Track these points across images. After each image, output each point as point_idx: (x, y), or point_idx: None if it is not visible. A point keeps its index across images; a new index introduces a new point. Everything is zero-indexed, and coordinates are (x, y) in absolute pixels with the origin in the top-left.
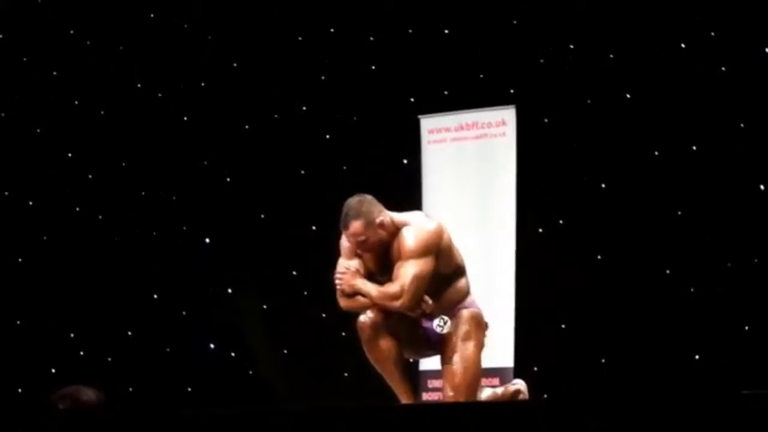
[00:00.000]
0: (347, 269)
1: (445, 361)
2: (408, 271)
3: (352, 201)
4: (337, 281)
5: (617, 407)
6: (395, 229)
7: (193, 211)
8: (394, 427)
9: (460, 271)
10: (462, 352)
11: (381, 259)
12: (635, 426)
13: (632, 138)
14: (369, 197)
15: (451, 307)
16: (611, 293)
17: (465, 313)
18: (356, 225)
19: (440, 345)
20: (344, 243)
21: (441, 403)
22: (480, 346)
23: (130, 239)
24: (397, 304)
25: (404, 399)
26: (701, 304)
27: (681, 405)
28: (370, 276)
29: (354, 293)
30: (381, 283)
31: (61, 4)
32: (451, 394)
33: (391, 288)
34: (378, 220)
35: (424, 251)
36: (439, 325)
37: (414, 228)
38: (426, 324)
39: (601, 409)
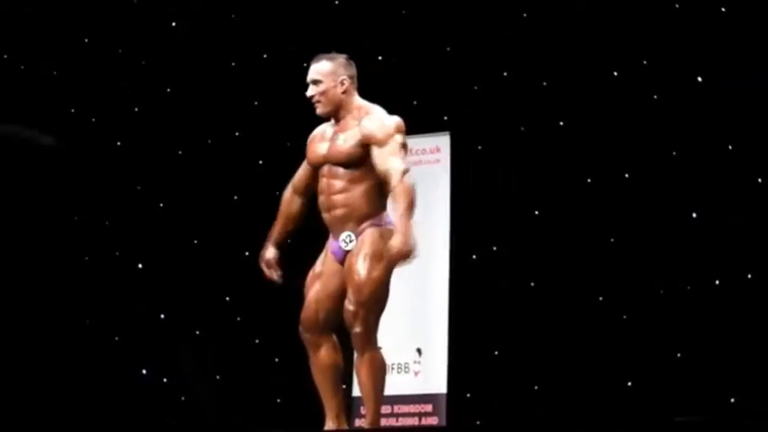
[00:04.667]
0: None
1: (349, 276)
2: (392, 148)
3: (339, 53)
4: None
5: None
6: (353, 107)
7: (126, 236)
8: None
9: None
10: (368, 268)
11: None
12: None
13: (565, 165)
14: (353, 62)
15: (363, 218)
16: (544, 320)
17: (374, 231)
18: (323, 64)
19: (345, 262)
20: None
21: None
22: (390, 266)
23: (63, 264)
24: (409, 178)
25: (331, 416)
26: (634, 331)
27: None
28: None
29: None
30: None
31: None
32: (351, 308)
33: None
34: (342, 78)
35: (397, 129)
36: (344, 240)
37: (381, 116)
38: (332, 243)
39: None
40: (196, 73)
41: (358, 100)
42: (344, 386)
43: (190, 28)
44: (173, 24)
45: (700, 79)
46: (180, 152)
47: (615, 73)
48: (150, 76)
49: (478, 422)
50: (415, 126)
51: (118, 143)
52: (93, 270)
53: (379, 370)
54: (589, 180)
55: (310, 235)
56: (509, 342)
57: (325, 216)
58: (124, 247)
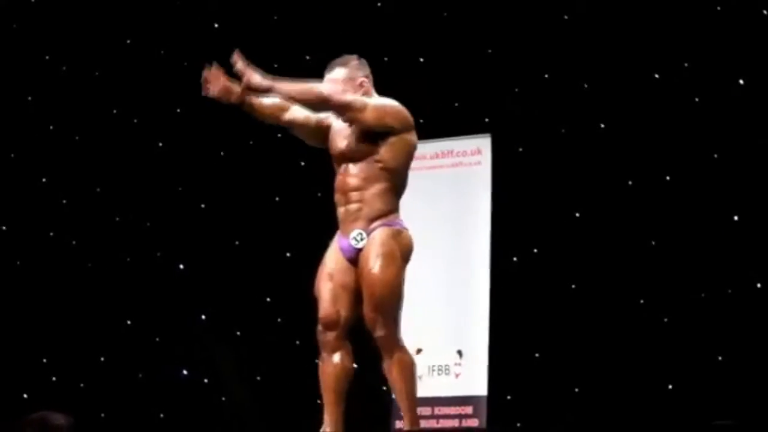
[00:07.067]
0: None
1: (364, 278)
2: (370, 99)
3: (348, 55)
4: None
5: None
6: None
7: (167, 237)
8: None
9: (398, 182)
10: (381, 269)
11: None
12: None
13: (606, 167)
14: (365, 61)
15: (375, 217)
16: (585, 322)
17: (386, 230)
18: (338, 71)
19: (357, 261)
20: None
21: None
22: (403, 267)
23: (104, 265)
24: (333, 95)
25: (330, 420)
26: (674, 334)
27: None
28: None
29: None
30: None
31: (36, 29)
32: (371, 314)
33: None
34: (359, 80)
35: (393, 111)
36: (355, 238)
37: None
38: (342, 240)
39: None
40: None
41: (375, 94)
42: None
43: (235, 30)
44: (215, 25)
45: (741, 81)
46: (222, 153)
47: (656, 75)
48: (192, 76)
49: (518, 425)
50: (456, 128)
51: (160, 144)
52: (134, 271)
53: (409, 369)
54: (629, 182)
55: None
56: (549, 344)
57: (339, 210)
58: (165, 247)
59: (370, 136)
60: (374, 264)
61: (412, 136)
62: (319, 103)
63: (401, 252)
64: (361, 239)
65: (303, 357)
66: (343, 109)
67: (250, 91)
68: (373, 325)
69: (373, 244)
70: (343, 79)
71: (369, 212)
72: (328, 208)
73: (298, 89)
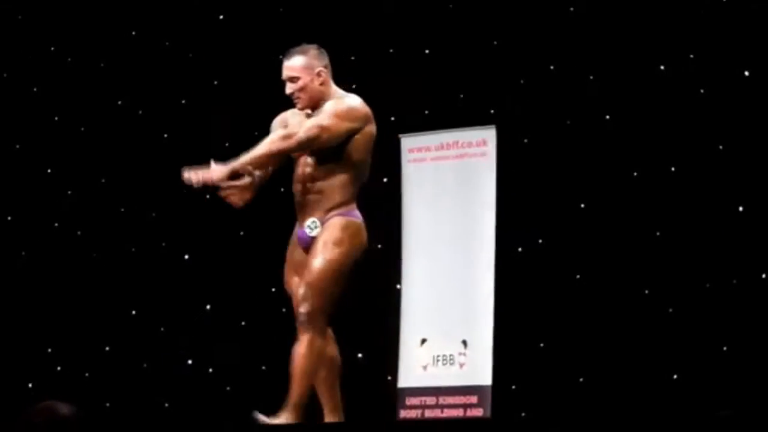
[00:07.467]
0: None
1: (309, 260)
2: (319, 118)
3: (308, 44)
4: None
5: (596, 427)
6: (331, 97)
7: (173, 228)
8: None
9: (357, 173)
10: (323, 252)
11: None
12: None
13: (611, 158)
14: (325, 51)
15: (330, 207)
16: (590, 312)
17: (340, 220)
18: (296, 59)
19: (310, 248)
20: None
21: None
22: (348, 254)
23: (109, 256)
24: (290, 141)
25: (330, 407)
26: (679, 325)
27: (659, 425)
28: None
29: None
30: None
31: (41, 20)
32: (301, 290)
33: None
34: (318, 70)
35: (346, 114)
36: (309, 227)
37: (345, 97)
38: (299, 230)
39: (580, 429)
40: (244, 66)
41: (336, 89)
42: (389, 378)
43: (241, 20)
44: (220, 17)
45: (746, 73)
46: (227, 144)
47: (661, 67)
48: (197, 68)
49: (523, 414)
50: (461, 119)
51: (165, 135)
52: (139, 261)
53: (313, 356)
54: (635, 173)
55: None
56: (555, 334)
57: (297, 201)
58: (170, 238)
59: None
60: (319, 248)
61: (372, 127)
62: (281, 157)
63: (350, 241)
64: (315, 227)
65: None
66: (305, 147)
67: (226, 181)
68: (299, 300)
69: (325, 231)
70: (301, 68)
71: (326, 203)
72: None
73: (256, 159)
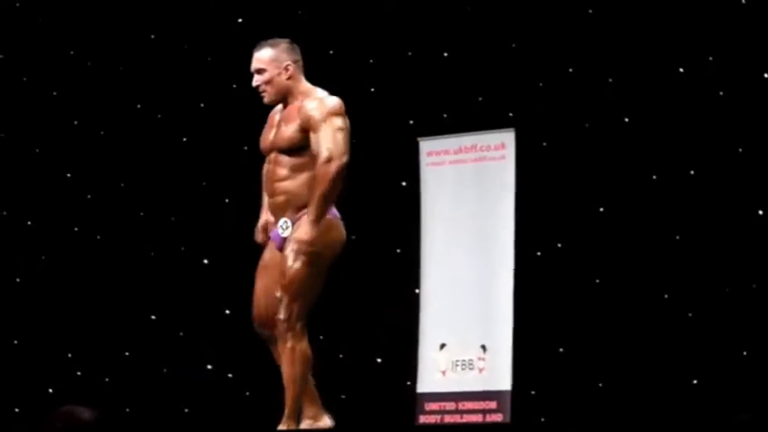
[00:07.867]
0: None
1: (282, 263)
2: (326, 132)
3: (281, 38)
4: None
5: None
6: (299, 92)
7: (192, 232)
8: None
9: None
10: (298, 254)
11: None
12: None
13: (630, 162)
14: (297, 47)
15: (301, 206)
16: (609, 317)
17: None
18: (264, 51)
19: (283, 249)
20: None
21: None
22: (321, 253)
23: (129, 260)
24: (335, 165)
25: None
26: (699, 329)
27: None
28: None
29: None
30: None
31: (61, 24)
32: (277, 294)
33: (320, 158)
34: (285, 64)
35: (334, 111)
36: (281, 227)
37: (320, 97)
38: (273, 231)
39: None
40: None
41: (304, 85)
42: (408, 383)
43: (261, 24)
44: (239, 20)
45: (766, 75)
46: (245, 148)
47: (680, 70)
48: (216, 72)
49: (542, 419)
50: (480, 122)
51: (184, 139)
52: (159, 266)
53: (300, 361)
54: (654, 177)
55: None
56: (574, 339)
57: (270, 202)
58: (189, 242)
59: (301, 129)
60: (291, 249)
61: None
62: (337, 186)
63: (322, 239)
64: (287, 227)
65: (323, 350)
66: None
67: None
68: (277, 307)
69: (296, 231)
70: (269, 60)
71: (296, 202)
72: (352, 201)
73: (323, 199)
